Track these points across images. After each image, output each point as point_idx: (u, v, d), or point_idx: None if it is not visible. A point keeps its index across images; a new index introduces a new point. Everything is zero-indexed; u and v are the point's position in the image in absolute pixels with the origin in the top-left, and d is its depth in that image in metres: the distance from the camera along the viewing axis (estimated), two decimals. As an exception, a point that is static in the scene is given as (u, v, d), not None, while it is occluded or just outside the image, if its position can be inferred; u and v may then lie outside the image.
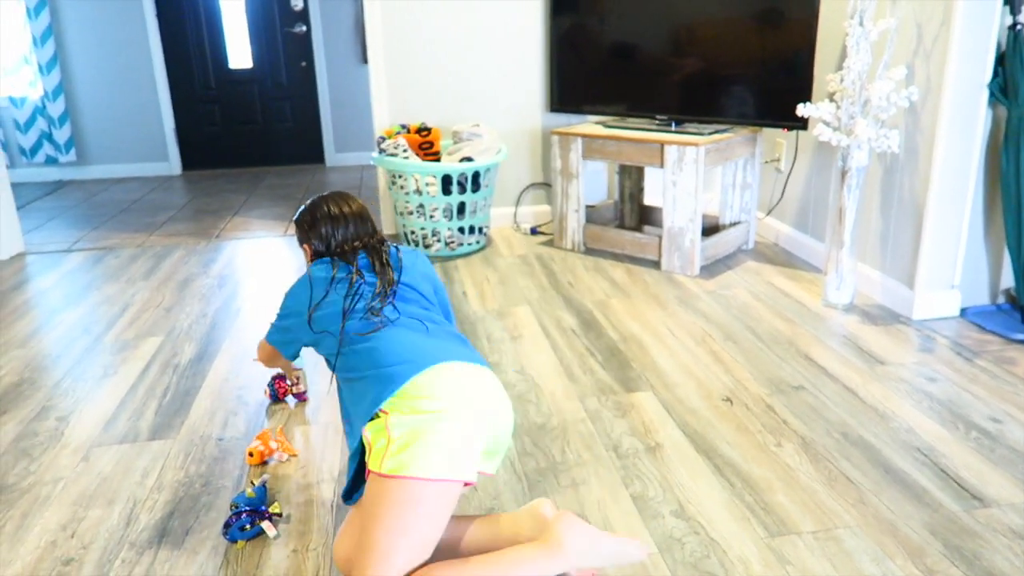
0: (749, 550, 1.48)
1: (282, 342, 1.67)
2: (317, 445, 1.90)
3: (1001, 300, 2.65)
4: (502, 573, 1.25)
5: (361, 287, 1.51)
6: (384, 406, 1.32)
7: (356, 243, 1.63)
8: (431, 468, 1.24)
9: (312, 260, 1.67)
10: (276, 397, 2.11)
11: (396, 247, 1.67)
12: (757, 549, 1.48)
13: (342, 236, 1.63)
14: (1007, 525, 1.53)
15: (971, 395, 2.06)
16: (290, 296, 1.60)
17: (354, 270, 1.55)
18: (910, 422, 1.93)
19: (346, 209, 1.67)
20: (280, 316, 1.64)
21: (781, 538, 1.51)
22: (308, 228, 1.66)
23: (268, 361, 1.84)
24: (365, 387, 1.37)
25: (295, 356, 1.71)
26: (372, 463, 1.29)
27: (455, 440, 1.28)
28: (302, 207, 1.70)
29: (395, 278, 1.55)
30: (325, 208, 1.66)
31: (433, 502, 1.25)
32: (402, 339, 1.41)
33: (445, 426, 1.28)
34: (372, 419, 1.34)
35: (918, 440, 1.85)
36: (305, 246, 1.69)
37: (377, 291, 1.50)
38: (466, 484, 1.32)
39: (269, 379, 2.15)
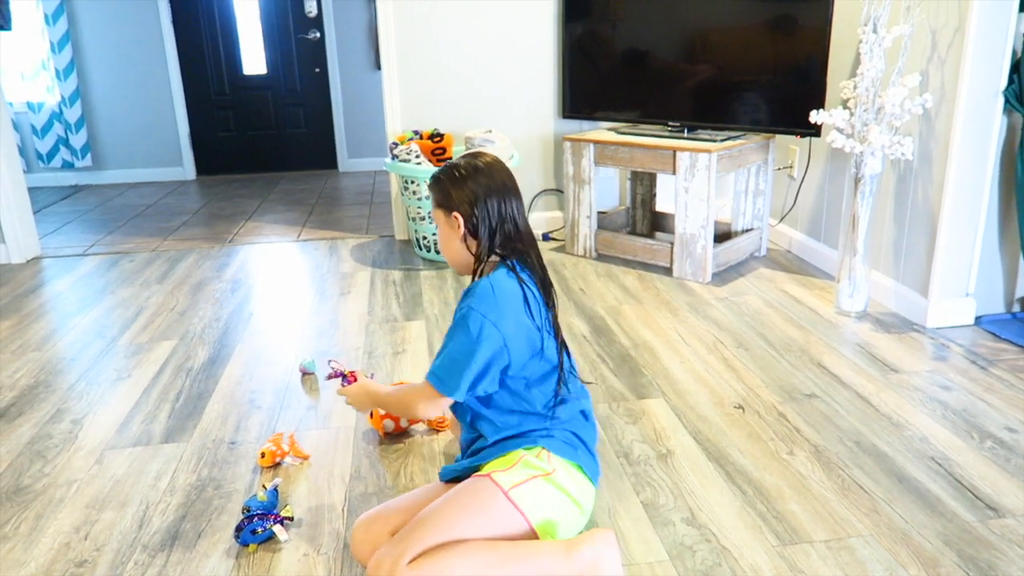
0: (761, 559, 1.47)
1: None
2: (329, 449, 1.91)
3: (1016, 308, 2.63)
4: (519, 552, 1.30)
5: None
6: (558, 460, 1.40)
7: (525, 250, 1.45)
8: (538, 522, 1.35)
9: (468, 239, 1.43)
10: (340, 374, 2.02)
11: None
12: (769, 558, 1.47)
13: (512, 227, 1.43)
14: (1022, 536, 1.52)
15: (986, 404, 2.05)
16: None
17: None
18: (924, 431, 1.92)
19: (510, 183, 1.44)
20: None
21: (793, 547, 1.50)
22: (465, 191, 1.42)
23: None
24: (552, 435, 1.43)
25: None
26: (503, 478, 1.36)
27: (563, 526, 1.39)
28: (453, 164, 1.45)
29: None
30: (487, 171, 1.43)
31: (508, 533, 1.33)
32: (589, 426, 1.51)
33: (571, 519, 1.40)
34: (527, 448, 1.41)
35: (932, 449, 1.84)
36: (455, 214, 1.43)
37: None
38: None
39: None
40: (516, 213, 1.45)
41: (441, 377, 1.39)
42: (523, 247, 1.45)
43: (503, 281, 1.40)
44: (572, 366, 1.53)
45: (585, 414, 1.52)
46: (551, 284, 1.50)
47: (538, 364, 1.43)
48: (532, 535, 1.35)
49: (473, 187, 1.42)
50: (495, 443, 1.44)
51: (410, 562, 1.25)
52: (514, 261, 1.43)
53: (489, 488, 1.35)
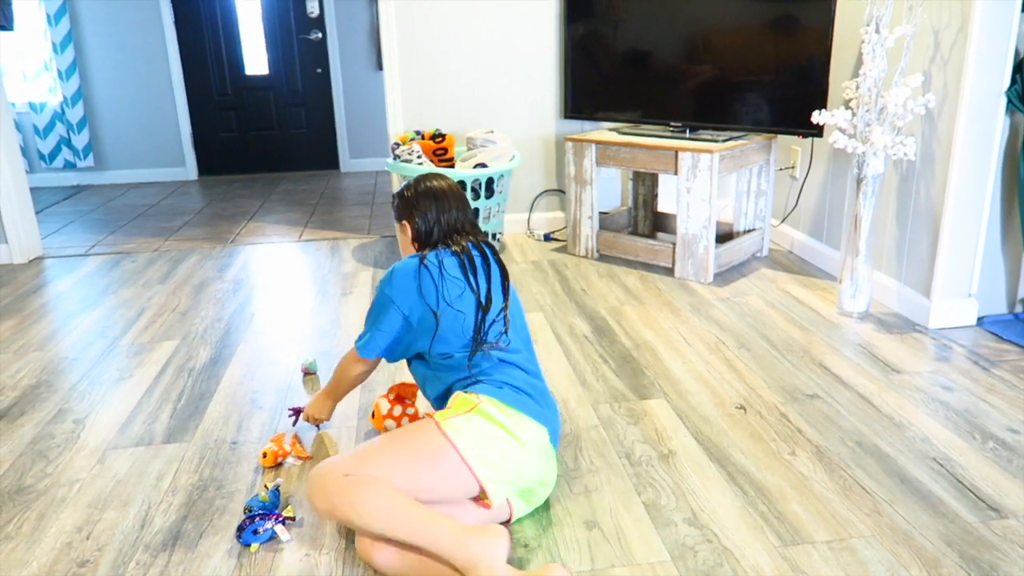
0: (762, 559, 1.47)
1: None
2: (330, 450, 1.90)
3: (1019, 309, 2.63)
4: (425, 517, 1.37)
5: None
6: (485, 397, 1.54)
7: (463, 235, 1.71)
8: (472, 456, 1.47)
9: (414, 241, 1.72)
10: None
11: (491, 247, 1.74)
12: (770, 558, 1.47)
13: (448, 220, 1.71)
14: (1025, 537, 1.52)
15: (988, 405, 2.04)
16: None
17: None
18: (926, 431, 1.92)
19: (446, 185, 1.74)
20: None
21: (795, 547, 1.50)
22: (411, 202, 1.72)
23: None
24: (494, 376, 1.60)
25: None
26: (439, 414, 1.53)
27: (505, 460, 1.49)
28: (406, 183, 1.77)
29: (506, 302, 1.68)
30: (430, 183, 1.74)
31: (447, 472, 1.46)
32: (524, 366, 1.64)
33: (510, 451, 1.50)
34: (464, 391, 1.58)
35: (934, 450, 1.83)
36: (404, 222, 1.73)
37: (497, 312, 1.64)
38: (481, 499, 1.51)
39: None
40: (451, 219, 1.71)
41: (358, 344, 1.71)
42: (451, 242, 1.69)
43: (404, 266, 1.64)
44: (516, 331, 1.68)
45: (523, 368, 1.64)
46: (493, 269, 1.69)
47: (452, 332, 1.61)
48: (466, 468, 1.46)
49: (425, 197, 1.72)
50: (437, 399, 1.68)
51: (346, 475, 1.41)
52: (435, 251, 1.66)
53: (426, 422, 1.53)
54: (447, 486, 1.46)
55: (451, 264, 1.64)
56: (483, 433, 1.49)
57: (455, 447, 1.46)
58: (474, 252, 1.68)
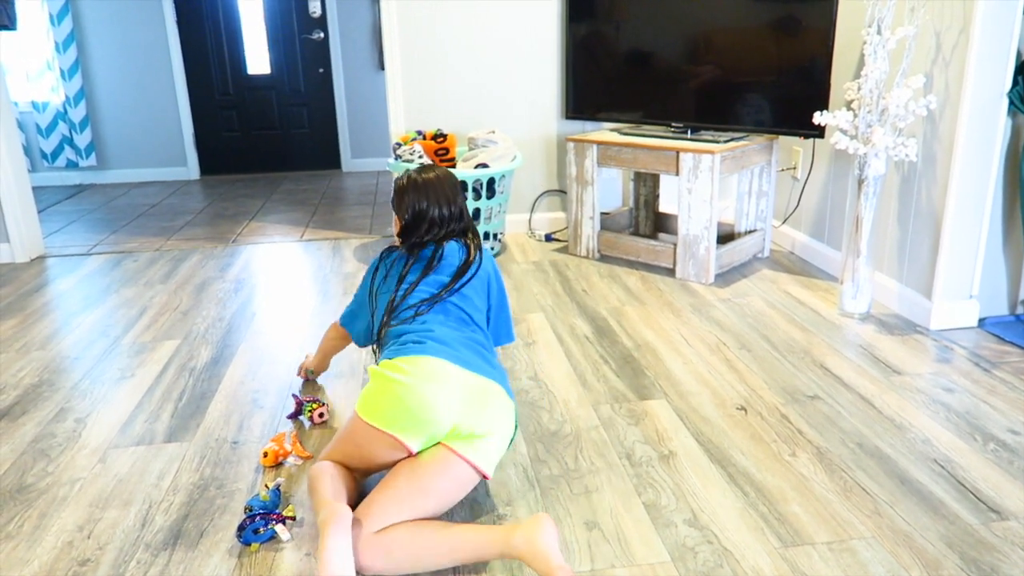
0: (763, 560, 1.47)
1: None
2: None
3: (1020, 311, 2.63)
4: (458, 535, 1.44)
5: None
6: (379, 363, 1.65)
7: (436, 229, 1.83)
8: (367, 412, 1.56)
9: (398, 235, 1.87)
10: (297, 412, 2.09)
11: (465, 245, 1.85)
12: (771, 559, 1.47)
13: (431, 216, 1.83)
14: (1025, 538, 1.52)
15: (989, 406, 2.04)
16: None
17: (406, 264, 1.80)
18: (927, 433, 1.92)
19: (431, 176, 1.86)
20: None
21: (795, 548, 1.50)
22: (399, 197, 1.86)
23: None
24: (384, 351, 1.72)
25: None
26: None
27: (396, 406, 1.53)
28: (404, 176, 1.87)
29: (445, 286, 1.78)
30: (414, 177, 1.86)
31: (362, 440, 1.58)
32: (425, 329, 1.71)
33: (393, 391, 1.54)
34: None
35: (935, 451, 1.83)
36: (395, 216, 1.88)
37: (425, 298, 1.74)
38: (401, 444, 1.56)
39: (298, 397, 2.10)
40: (433, 215, 1.83)
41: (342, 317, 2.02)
42: (419, 237, 1.83)
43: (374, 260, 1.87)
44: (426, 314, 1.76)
45: (405, 331, 1.71)
46: (444, 264, 1.80)
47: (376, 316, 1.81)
48: (368, 427, 1.55)
49: (412, 195, 1.84)
50: None
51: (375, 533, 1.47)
52: (399, 248, 1.84)
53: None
54: (371, 452, 1.58)
55: (399, 263, 1.82)
56: (371, 391, 1.57)
57: (356, 413, 1.58)
58: (425, 252, 1.81)
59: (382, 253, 1.86)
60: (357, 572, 1.42)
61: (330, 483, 1.54)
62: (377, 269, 1.85)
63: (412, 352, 1.59)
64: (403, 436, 1.53)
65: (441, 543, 1.44)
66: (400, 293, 1.74)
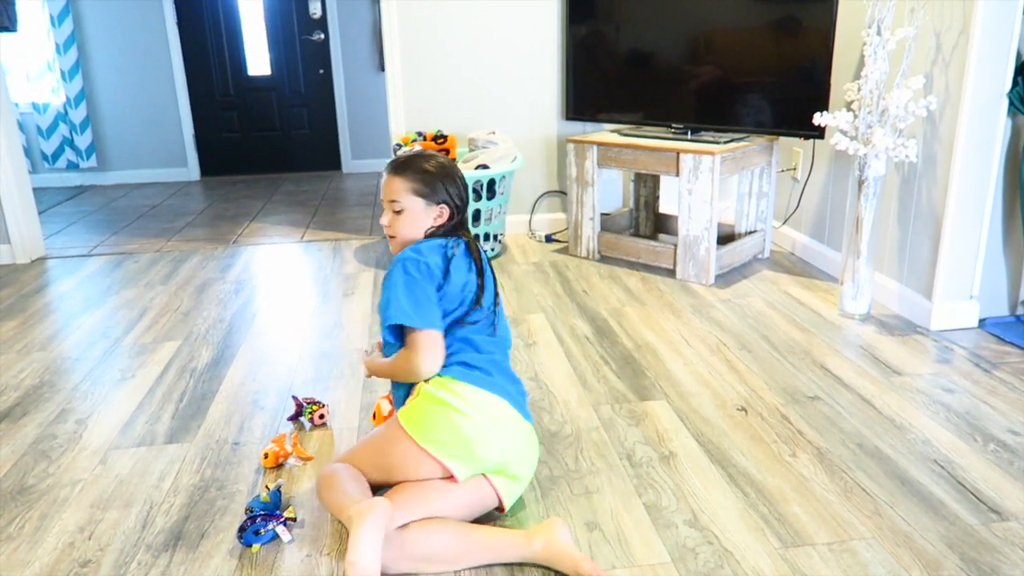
0: (763, 561, 1.47)
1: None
2: (332, 450, 1.91)
3: (1020, 311, 2.63)
4: (475, 536, 1.46)
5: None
6: (433, 381, 1.57)
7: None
8: (421, 438, 1.51)
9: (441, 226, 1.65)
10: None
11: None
12: (771, 560, 1.47)
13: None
14: (1026, 539, 1.52)
15: (989, 407, 2.04)
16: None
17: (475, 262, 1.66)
18: (927, 433, 1.92)
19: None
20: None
21: (795, 549, 1.50)
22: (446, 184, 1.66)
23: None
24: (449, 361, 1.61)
25: None
26: (399, 413, 1.58)
27: (454, 436, 1.51)
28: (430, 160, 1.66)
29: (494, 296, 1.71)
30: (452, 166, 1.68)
31: (407, 458, 1.52)
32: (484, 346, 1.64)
33: (454, 421, 1.51)
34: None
35: (935, 452, 1.83)
36: (443, 207, 1.64)
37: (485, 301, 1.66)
38: (451, 477, 1.53)
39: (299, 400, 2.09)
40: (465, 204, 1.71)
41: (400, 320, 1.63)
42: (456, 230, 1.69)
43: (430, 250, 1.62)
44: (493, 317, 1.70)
45: (473, 345, 1.63)
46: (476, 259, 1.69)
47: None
48: (420, 450, 1.51)
49: (460, 184, 1.67)
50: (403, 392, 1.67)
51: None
52: (453, 238, 1.66)
53: (392, 421, 1.60)
54: (407, 470, 1.52)
55: (467, 255, 1.66)
56: (430, 415, 1.52)
57: (406, 433, 1.52)
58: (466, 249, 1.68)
59: (450, 243, 1.63)
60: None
61: (353, 483, 1.53)
62: (450, 260, 1.61)
63: (479, 384, 1.56)
64: (454, 465, 1.51)
65: (457, 542, 1.45)
66: (486, 292, 1.64)
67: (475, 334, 1.62)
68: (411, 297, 1.54)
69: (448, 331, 1.60)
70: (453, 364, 1.59)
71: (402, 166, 1.64)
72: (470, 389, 1.55)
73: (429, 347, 1.54)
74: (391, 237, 1.67)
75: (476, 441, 1.52)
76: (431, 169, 1.64)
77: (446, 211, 1.64)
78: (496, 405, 1.56)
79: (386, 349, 1.67)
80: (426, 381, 1.58)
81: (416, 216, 1.63)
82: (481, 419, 1.53)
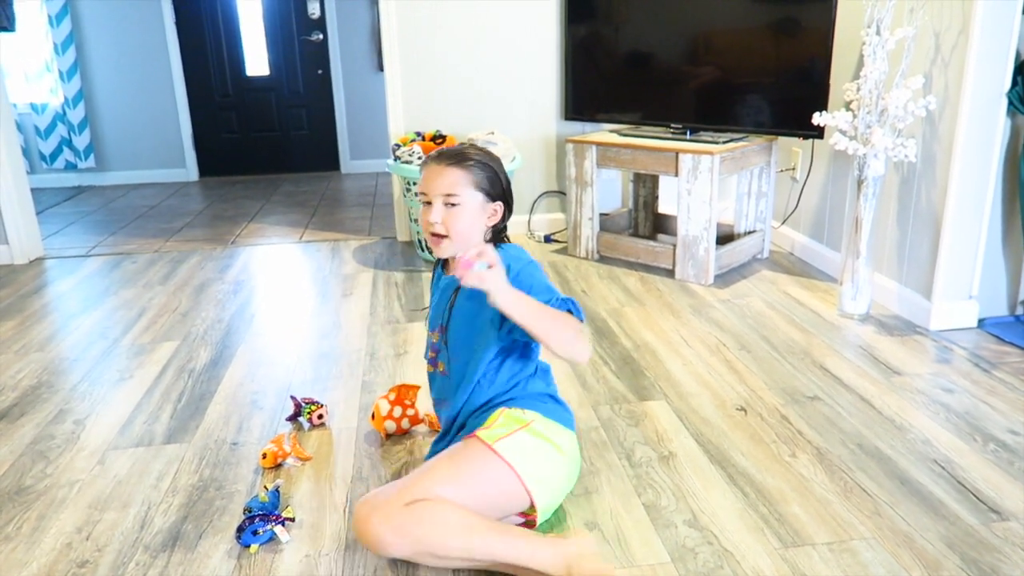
0: (763, 561, 1.47)
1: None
2: (330, 450, 1.91)
3: (1020, 311, 2.62)
4: (509, 537, 1.38)
5: None
6: (533, 414, 1.50)
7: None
8: (528, 476, 1.43)
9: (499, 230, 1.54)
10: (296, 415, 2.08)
11: None
12: (771, 560, 1.47)
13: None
14: (1026, 539, 1.52)
15: (989, 407, 2.04)
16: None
17: None
18: (927, 433, 1.91)
19: None
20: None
21: (795, 549, 1.50)
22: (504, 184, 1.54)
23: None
24: (533, 387, 1.56)
25: None
26: (486, 434, 1.45)
27: (554, 474, 1.49)
28: (479, 154, 1.52)
29: None
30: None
31: (501, 492, 1.43)
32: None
33: (559, 467, 1.50)
34: (509, 408, 1.52)
35: (935, 452, 1.83)
36: (499, 205, 1.53)
37: None
38: (526, 515, 1.50)
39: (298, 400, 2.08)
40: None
41: (574, 308, 1.43)
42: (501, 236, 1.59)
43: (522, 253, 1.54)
44: None
45: (550, 373, 1.64)
46: None
47: None
48: (523, 488, 1.43)
49: (508, 180, 1.57)
50: (477, 410, 1.55)
51: (407, 504, 1.35)
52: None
53: (476, 446, 1.45)
54: (501, 505, 1.44)
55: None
56: (536, 451, 1.46)
57: (513, 469, 1.41)
58: None
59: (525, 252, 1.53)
60: (372, 539, 1.35)
61: (478, 514, 1.39)
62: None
63: (565, 423, 1.55)
64: (542, 505, 1.48)
65: (490, 528, 1.35)
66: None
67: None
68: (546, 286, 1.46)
69: (529, 352, 1.55)
70: (547, 398, 1.56)
71: (460, 156, 1.50)
72: (561, 428, 1.53)
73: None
74: (441, 237, 1.50)
75: (565, 480, 1.53)
76: (490, 163, 1.52)
77: (500, 210, 1.53)
78: (575, 442, 1.57)
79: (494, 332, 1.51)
80: (520, 409, 1.50)
81: (474, 213, 1.50)
82: (570, 458, 1.53)
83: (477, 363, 1.53)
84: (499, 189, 1.52)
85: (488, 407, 1.54)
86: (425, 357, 1.71)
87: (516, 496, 1.44)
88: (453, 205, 1.48)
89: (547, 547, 1.36)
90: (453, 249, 1.51)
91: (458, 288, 1.53)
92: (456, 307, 1.55)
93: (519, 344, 1.54)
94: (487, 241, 1.54)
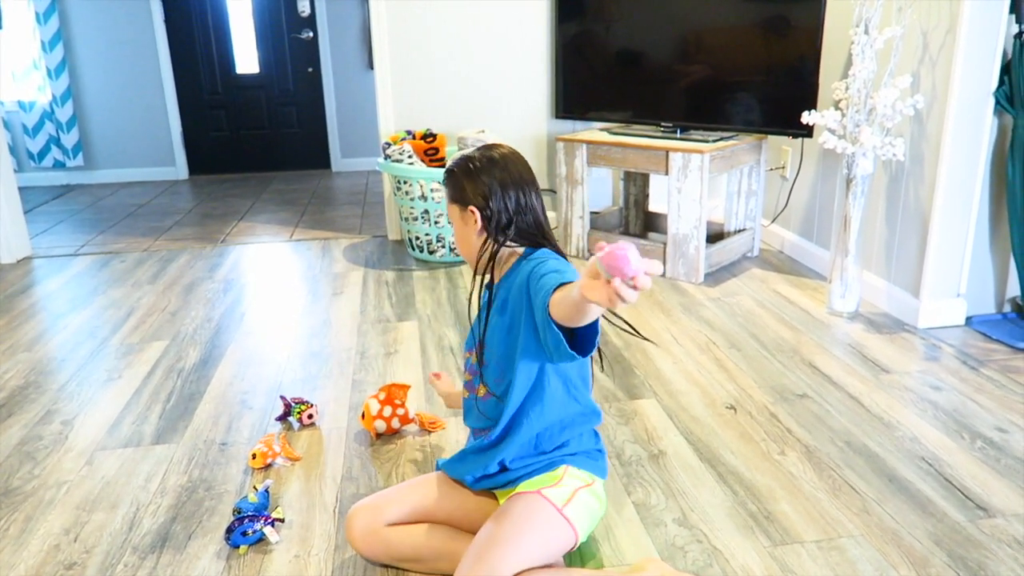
0: (752, 559, 1.47)
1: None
2: (320, 451, 1.90)
3: (1007, 309, 2.64)
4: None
5: None
6: (593, 477, 1.44)
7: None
8: (583, 532, 1.39)
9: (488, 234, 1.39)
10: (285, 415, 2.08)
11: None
12: (760, 558, 1.48)
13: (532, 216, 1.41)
14: (1012, 535, 1.52)
15: (976, 404, 2.05)
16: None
17: None
18: (915, 431, 1.93)
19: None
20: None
21: (784, 547, 1.51)
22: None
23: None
24: (584, 440, 1.47)
25: None
26: (554, 495, 1.36)
27: (593, 524, 1.44)
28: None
29: None
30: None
31: (561, 548, 1.37)
32: None
33: (600, 513, 1.45)
34: (575, 467, 1.42)
35: (923, 449, 1.84)
36: (471, 209, 1.39)
37: None
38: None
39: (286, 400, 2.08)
40: (535, 205, 1.41)
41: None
42: (542, 240, 1.41)
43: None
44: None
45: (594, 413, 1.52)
46: None
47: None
48: (576, 541, 1.38)
49: (487, 180, 1.38)
50: (525, 449, 1.42)
51: None
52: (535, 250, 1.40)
53: (544, 507, 1.35)
54: (554, 555, 1.37)
55: None
56: (592, 513, 1.42)
57: (575, 530, 1.37)
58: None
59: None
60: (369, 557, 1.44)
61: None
62: None
63: (603, 474, 1.47)
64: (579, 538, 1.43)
65: (431, 546, 1.41)
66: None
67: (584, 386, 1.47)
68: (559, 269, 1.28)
69: (576, 390, 1.44)
70: (596, 454, 1.48)
71: (446, 171, 1.45)
72: (602, 482, 1.48)
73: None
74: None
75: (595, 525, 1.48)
76: (456, 168, 1.42)
77: (475, 215, 1.39)
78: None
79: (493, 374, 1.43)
80: (587, 472, 1.43)
81: (457, 225, 1.44)
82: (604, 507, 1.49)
83: (518, 378, 1.37)
84: (466, 195, 1.39)
85: (538, 453, 1.43)
86: (464, 384, 1.57)
87: (568, 547, 1.39)
88: (450, 221, 1.48)
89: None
90: (470, 264, 1.45)
91: (491, 301, 1.42)
92: (491, 323, 1.42)
93: (563, 372, 1.41)
94: (495, 252, 1.39)
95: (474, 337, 1.48)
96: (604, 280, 0.90)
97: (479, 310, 1.47)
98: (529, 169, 1.44)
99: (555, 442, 1.43)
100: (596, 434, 1.51)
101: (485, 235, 1.40)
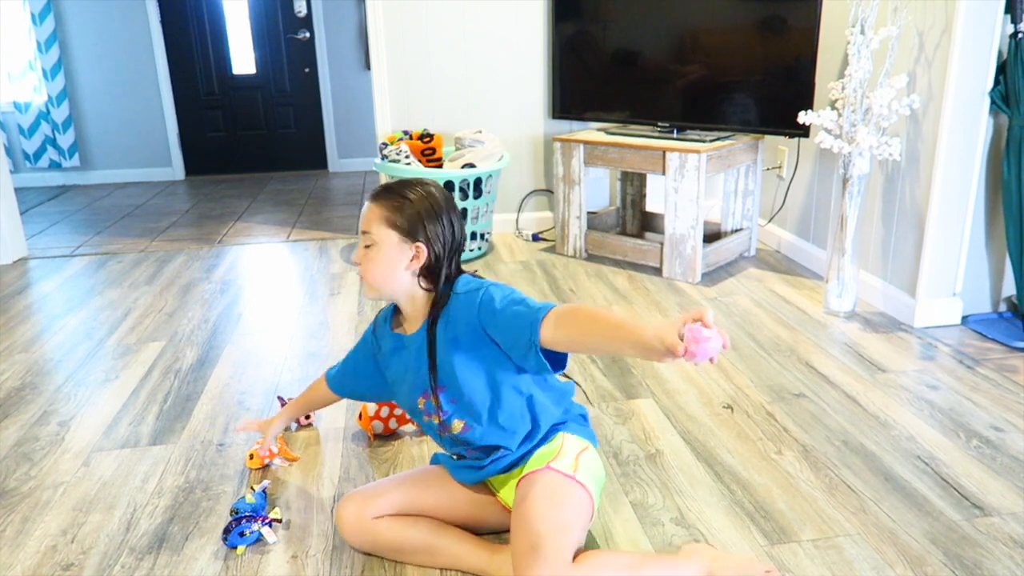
0: (749, 558, 1.48)
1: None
2: (318, 451, 1.90)
3: (1003, 308, 2.65)
4: (665, 566, 1.38)
5: None
6: (584, 441, 1.49)
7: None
8: (594, 491, 1.43)
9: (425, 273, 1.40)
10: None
11: None
12: (757, 557, 1.48)
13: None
14: (1008, 534, 1.53)
15: (972, 403, 2.06)
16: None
17: None
18: (911, 430, 1.93)
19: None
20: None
21: (781, 546, 1.51)
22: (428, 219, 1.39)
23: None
24: (571, 411, 1.54)
25: None
26: (563, 464, 1.40)
27: (599, 488, 1.47)
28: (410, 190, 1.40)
29: None
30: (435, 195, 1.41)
31: (586, 515, 1.40)
32: None
33: (602, 475, 1.49)
34: (569, 433, 1.49)
35: (919, 448, 1.85)
36: (418, 245, 1.37)
37: None
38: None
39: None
40: (459, 248, 1.45)
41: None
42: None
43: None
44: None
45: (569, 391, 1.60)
46: None
47: None
48: (592, 506, 1.41)
49: (446, 226, 1.40)
50: (542, 437, 1.47)
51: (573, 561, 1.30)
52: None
53: (558, 479, 1.38)
54: (586, 526, 1.42)
55: None
56: (596, 475, 1.46)
57: (590, 495, 1.40)
58: None
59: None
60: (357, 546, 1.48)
61: (642, 554, 1.46)
62: None
63: (594, 440, 1.53)
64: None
65: (627, 570, 1.35)
66: None
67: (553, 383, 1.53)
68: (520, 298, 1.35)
69: (549, 385, 1.49)
70: (582, 420, 1.55)
71: (384, 191, 1.41)
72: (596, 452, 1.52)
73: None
74: (362, 278, 1.42)
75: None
76: (421, 200, 1.38)
77: (423, 252, 1.37)
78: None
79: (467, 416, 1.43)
80: (577, 436, 1.48)
81: (388, 252, 1.37)
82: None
83: (502, 401, 1.41)
84: (420, 228, 1.37)
85: (533, 438, 1.46)
86: (427, 431, 1.53)
87: (590, 513, 1.41)
88: (367, 246, 1.39)
89: (690, 565, 1.39)
90: (372, 292, 1.42)
91: (431, 342, 1.39)
92: (442, 364, 1.39)
93: (534, 372, 1.41)
94: (421, 287, 1.41)
95: (419, 385, 1.45)
96: (672, 352, 1.12)
97: (406, 356, 1.47)
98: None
99: (545, 427, 1.48)
100: (572, 402, 1.56)
101: (416, 276, 1.40)
